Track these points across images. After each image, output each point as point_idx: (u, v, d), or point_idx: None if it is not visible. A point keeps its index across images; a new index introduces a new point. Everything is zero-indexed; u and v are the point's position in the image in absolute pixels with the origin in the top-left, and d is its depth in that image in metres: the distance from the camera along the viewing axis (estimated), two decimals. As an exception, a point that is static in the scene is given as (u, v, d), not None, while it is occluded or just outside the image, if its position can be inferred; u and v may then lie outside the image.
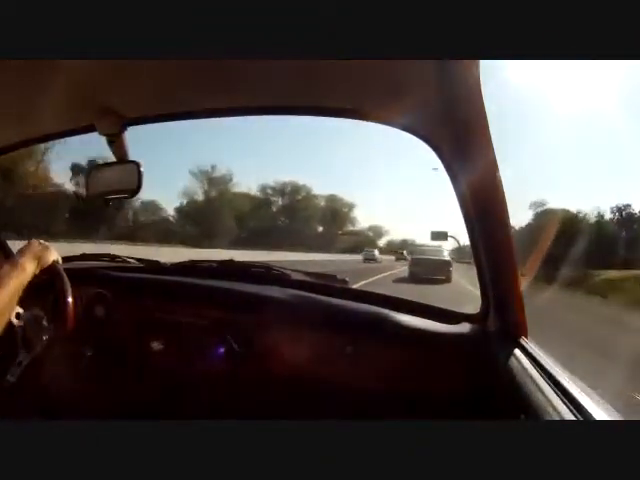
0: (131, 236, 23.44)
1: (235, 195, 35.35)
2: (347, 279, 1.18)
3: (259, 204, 37.56)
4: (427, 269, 10.78)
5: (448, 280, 10.42)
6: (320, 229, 41.05)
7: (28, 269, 0.78)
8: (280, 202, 39.35)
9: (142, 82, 0.82)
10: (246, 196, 36.65)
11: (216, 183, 34.45)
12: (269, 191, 39.60)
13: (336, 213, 40.91)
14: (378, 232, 45.66)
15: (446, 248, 12.83)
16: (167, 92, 0.88)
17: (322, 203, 40.98)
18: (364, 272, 11.48)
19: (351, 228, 42.15)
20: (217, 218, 31.20)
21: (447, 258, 11.48)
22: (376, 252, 24.58)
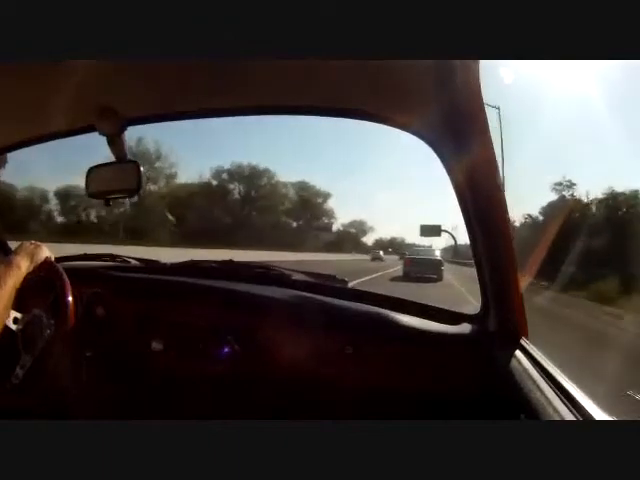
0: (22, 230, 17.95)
1: (176, 183, 29.13)
2: (347, 279, 1.18)
3: (211, 192, 31.41)
4: (420, 268, 11.37)
5: (440, 278, 11.04)
6: (293, 224, 35.83)
7: (23, 267, 0.83)
8: (238, 189, 33.45)
9: (142, 82, 0.82)
10: (193, 184, 30.18)
11: (142, 160, 26.25)
12: (224, 176, 33.59)
13: (307, 203, 35.78)
14: (361, 228, 41.68)
15: (438, 247, 13.35)
16: (167, 92, 0.88)
17: (290, 192, 36.16)
18: (374, 269, 14.34)
19: (326, 221, 38.67)
20: (153, 209, 26.11)
21: (439, 258, 12.17)
22: (381, 252, 31.14)
